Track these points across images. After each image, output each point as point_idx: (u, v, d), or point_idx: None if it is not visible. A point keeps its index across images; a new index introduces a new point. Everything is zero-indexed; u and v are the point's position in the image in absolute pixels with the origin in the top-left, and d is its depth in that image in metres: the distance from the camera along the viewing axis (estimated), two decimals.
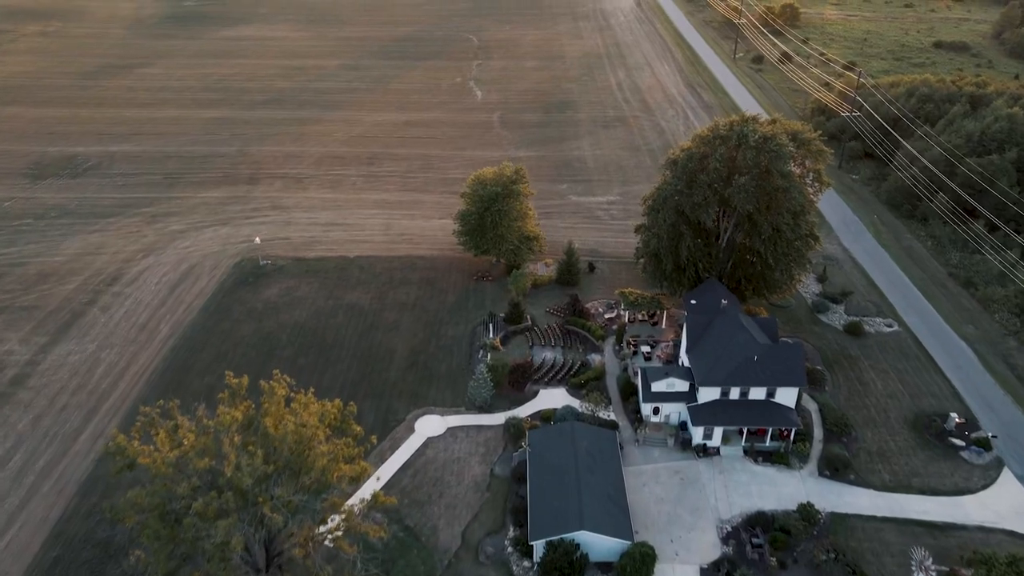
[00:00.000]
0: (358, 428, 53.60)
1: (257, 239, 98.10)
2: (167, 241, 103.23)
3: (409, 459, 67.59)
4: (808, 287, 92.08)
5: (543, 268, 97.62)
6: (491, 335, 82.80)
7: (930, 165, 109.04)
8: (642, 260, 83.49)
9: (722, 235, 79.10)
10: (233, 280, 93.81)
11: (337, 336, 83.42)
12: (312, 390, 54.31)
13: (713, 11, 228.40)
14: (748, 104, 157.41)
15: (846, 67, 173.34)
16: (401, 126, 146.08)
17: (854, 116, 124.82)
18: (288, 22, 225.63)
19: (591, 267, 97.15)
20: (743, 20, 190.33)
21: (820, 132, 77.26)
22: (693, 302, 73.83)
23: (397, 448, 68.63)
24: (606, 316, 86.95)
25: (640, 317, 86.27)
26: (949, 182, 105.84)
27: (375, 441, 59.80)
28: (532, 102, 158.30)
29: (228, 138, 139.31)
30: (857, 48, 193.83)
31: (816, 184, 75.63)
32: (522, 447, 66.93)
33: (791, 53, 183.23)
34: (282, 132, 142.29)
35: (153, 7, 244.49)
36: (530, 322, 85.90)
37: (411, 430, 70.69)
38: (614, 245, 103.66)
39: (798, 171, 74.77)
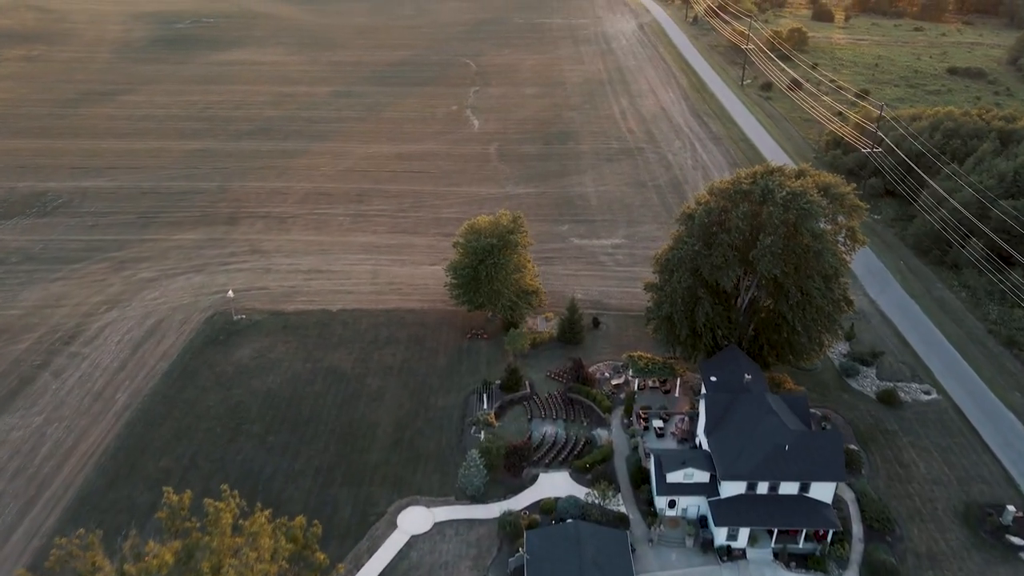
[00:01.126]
0: (322, 557, 44.94)
1: (231, 292, 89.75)
2: (134, 291, 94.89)
3: (390, 563, 58.81)
4: (834, 346, 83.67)
5: (543, 323, 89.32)
6: (485, 406, 74.33)
7: (960, 207, 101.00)
8: (653, 322, 75.01)
9: (743, 296, 70.82)
10: (203, 338, 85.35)
11: (314, 408, 74.85)
12: (267, 512, 45.46)
13: (718, 35, 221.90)
14: (758, 135, 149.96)
15: (859, 95, 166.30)
16: (393, 159, 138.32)
17: (875, 152, 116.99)
18: (281, 45, 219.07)
19: (595, 322, 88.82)
20: (750, 46, 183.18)
21: (854, 186, 68.93)
22: (713, 379, 65.28)
23: (376, 549, 59.88)
24: (613, 382, 78.42)
25: (651, 383, 77.81)
26: (982, 226, 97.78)
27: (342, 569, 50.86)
28: (532, 132, 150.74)
29: (209, 172, 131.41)
30: (869, 74, 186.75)
31: (849, 243, 67.33)
32: (519, 551, 58.19)
33: (801, 80, 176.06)
34: (267, 166, 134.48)
35: (143, 30, 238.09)
36: (529, 389, 77.42)
37: (393, 526, 61.97)
38: (620, 296, 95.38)
39: (829, 228, 66.53)
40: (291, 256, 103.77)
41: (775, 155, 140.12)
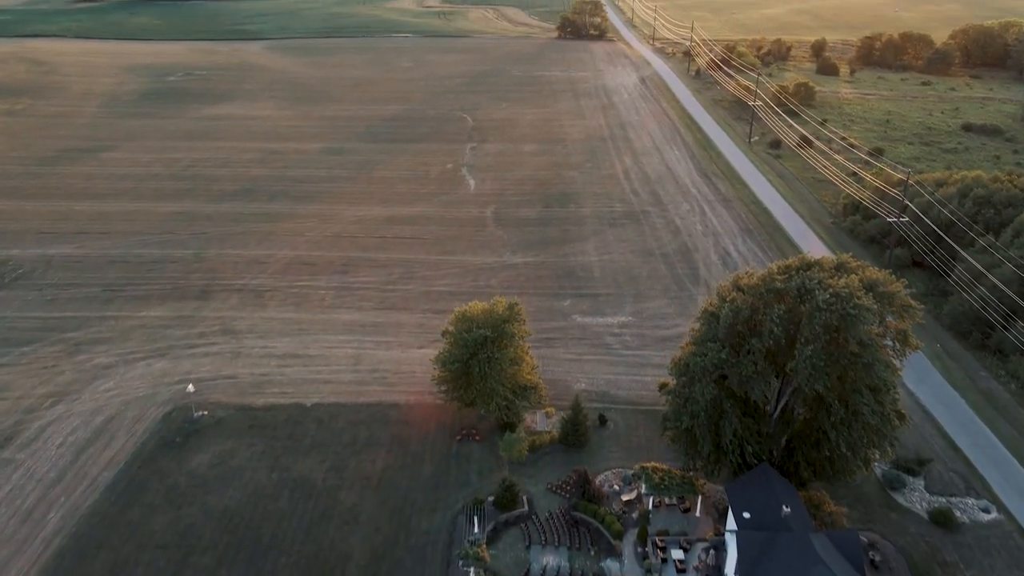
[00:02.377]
0: None
1: (190, 387, 79.79)
2: (87, 380, 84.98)
3: None
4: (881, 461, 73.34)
5: (543, 419, 79.27)
6: (476, 529, 63.86)
7: (1000, 284, 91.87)
8: (670, 431, 65.03)
9: (775, 405, 61.05)
10: (156, 441, 75.16)
11: (277, 532, 64.30)
12: None
13: (722, 89, 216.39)
14: (770, 197, 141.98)
15: (873, 153, 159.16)
16: (383, 223, 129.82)
17: (901, 221, 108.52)
18: (273, 99, 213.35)
19: (602, 420, 78.78)
20: (757, 102, 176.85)
21: (904, 282, 59.74)
22: (746, 515, 54.99)
23: None
24: (624, 498, 68.02)
25: (667, 501, 67.44)
26: None
27: None
28: (531, 194, 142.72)
29: (186, 238, 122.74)
30: (880, 131, 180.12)
31: (899, 346, 57.81)
32: None
33: (811, 137, 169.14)
34: (249, 231, 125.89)
35: (134, 83, 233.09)
36: (526, 507, 67.07)
37: None
38: (628, 385, 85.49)
39: (876, 330, 57.06)
40: (265, 337, 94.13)
41: (789, 219, 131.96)
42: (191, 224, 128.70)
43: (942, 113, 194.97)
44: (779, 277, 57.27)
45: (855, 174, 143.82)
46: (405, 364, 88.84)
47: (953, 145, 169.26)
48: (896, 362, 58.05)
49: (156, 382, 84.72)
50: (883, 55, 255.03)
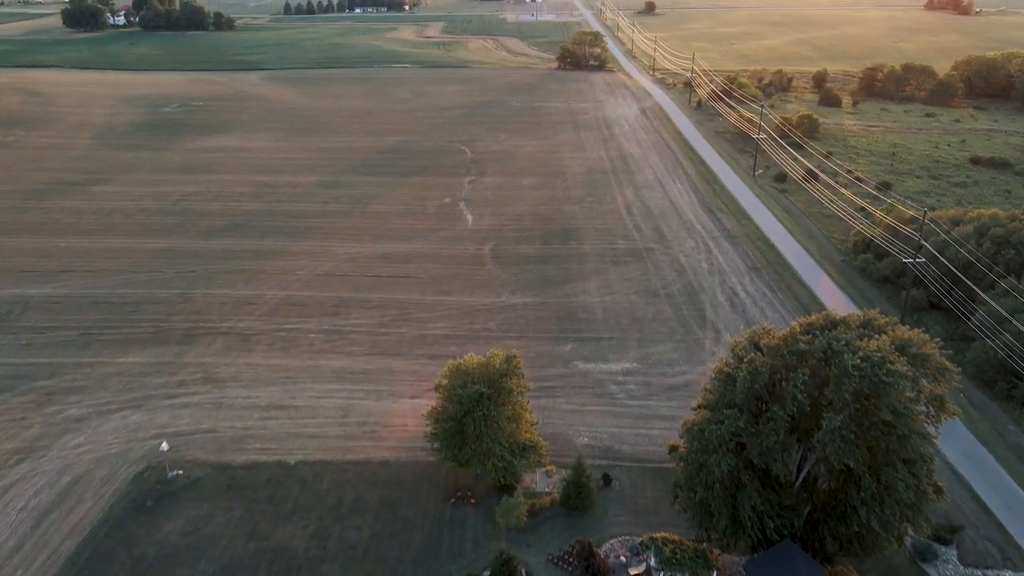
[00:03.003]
0: None
1: (164, 445, 74.37)
2: (56, 435, 79.68)
3: None
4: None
5: (543, 479, 73.89)
6: None
7: None
8: (681, 499, 59.66)
9: (797, 475, 55.80)
10: (126, 504, 69.69)
11: None
12: None
13: (724, 120, 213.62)
14: (776, 233, 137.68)
15: (880, 187, 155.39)
16: (377, 261, 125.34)
17: (917, 262, 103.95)
18: (270, 130, 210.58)
19: (606, 479, 73.33)
20: (762, 135, 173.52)
21: (939, 342, 54.82)
22: None
23: None
24: (632, 572, 62.40)
25: None
26: None
27: None
28: (530, 230, 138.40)
29: (172, 277, 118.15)
30: (887, 164, 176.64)
31: (935, 412, 52.71)
32: None
33: (816, 171, 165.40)
34: (238, 269, 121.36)
35: (130, 113, 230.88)
36: None
37: None
38: (634, 440, 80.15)
39: (909, 394, 52.02)
40: (250, 386, 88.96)
41: (798, 257, 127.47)
42: (179, 262, 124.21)
43: (948, 146, 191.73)
44: (802, 338, 52.37)
45: (863, 209, 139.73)
46: (396, 417, 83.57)
47: (962, 179, 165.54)
48: (931, 429, 52.91)
49: (130, 437, 79.38)
50: (885, 86, 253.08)
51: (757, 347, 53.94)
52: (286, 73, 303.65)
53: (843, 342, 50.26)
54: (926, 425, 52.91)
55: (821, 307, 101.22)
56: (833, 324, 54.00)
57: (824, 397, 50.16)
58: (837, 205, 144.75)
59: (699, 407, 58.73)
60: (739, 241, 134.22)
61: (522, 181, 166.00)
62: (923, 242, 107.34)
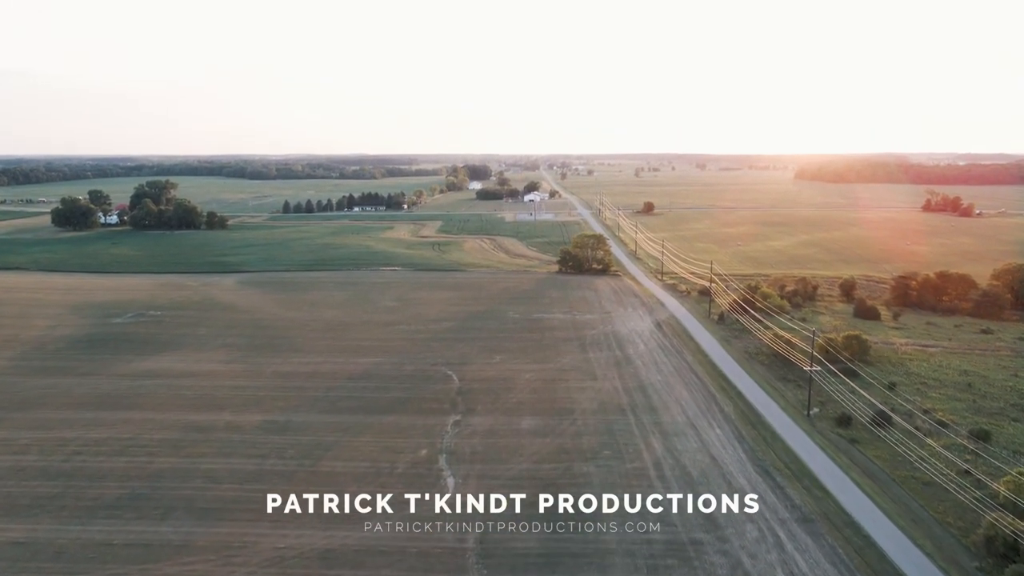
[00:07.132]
0: None
1: None
2: None
3: None
4: None
5: None
6: None
7: None
8: None
9: None
10: None
11: None
12: None
13: (753, 336, 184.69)
14: (867, 514, 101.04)
15: (975, 437, 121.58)
16: (315, 562, 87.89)
17: None
18: (226, 348, 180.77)
19: None
20: (816, 367, 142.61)
21: None
22: None
23: None
24: None
25: None
26: None
27: None
28: (531, 507, 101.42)
29: None
30: (967, 399, 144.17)
31: None
32: None
33: (888, 411, 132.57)
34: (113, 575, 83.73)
35: (73, 325, 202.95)
36: None
37: None
38: None
39: None
40: None
41: (909, 560, 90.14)
42: (30, 566, 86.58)
43: None
44: None
45: (968, 472, 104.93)
46: None
47: None
48: None
49: None
50: (921, 295, 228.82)
51: None
52: (266, 276, 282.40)
53: None
54: None
55: None
56: None
57: None
58: (929, 464, 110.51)
59: None
60: (818, 528, 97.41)
61: (520, 423, 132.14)
62: None
